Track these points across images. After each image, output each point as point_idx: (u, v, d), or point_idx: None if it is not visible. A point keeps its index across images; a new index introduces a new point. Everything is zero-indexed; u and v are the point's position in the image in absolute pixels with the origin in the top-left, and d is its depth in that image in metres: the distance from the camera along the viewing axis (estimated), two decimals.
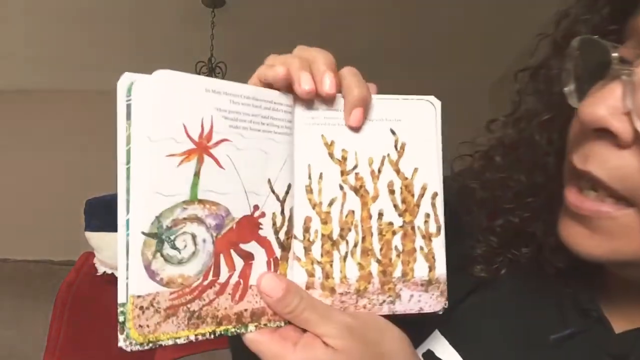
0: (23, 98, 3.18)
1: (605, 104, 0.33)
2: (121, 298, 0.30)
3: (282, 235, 0.36)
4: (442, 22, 2.46)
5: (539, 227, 0.44)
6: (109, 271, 1.28)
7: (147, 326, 0.31)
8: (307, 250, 0.37)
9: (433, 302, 0.40)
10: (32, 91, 3.17)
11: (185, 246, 0.32)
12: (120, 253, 0.30)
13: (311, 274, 0.37)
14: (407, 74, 3.03)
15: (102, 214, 1.31)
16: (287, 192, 0.37)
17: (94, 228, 1.33)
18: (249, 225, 0.35)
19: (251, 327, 0.35)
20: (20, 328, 1.33)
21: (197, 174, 0.32)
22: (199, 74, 2.31)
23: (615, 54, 0.34)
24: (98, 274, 1.34)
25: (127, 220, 0.30)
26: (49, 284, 1.38)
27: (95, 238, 1.33)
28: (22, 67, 2.93)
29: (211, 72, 2.40)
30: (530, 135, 0.44)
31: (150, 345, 0.31)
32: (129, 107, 0.30)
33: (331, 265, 0.38)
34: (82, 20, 2.43)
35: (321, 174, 0.38)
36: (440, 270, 0.40)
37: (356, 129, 0.38)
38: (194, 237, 0.32)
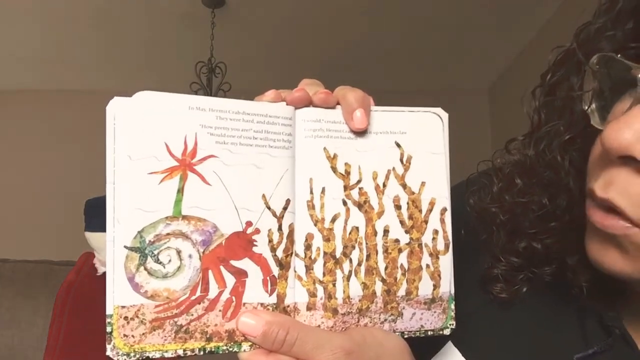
0: (23, 98, 3.18)
1: (631, 129, 0.31)
2: (108, 309, 0.32)
3: (279, 253, 0.35)
4: (442, 21, 2.46)
5: (561, 246, 0.43)
6: None
7: (132, 336, 0.32)
8: (308, 268, 0.36)
9: (434, 320, 0.39)
10: (32, 91, 3.17)
11: (170, 261, 0.33)
12: (108, 268, 0.32)
13: (313, 294, 0.36)
14: (408, 74, 3.03)
15: (102, 214, 1.31)
16: (284, 208, 0.36)
17: (94, 228, 1.33)
18: (240, 242, 0.34)
19: (245, 346, 0.34)
20: (20, 328, 1.33)
21: (180, 191, 0.33)
22: (198, 74, 2.32)
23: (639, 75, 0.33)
24: (98, 274, 1.34)
25: (114, 237, 0.32)
26: (49, 284, 1.38)
27: (95, 238, 1.33)
28: (22, 67, 2.93)
29: (211, 72, 2.39)
30: (553, 156, 0.42)
31: (137, 355, 0.32)
32: (114, 129, 0.32)
33: (334, 285, 0.36)
34: (82, 20, 2.43)
35: (323, 188, 0.36)
36: (445, 288, 0.39)
37: (361, 134, 0.37)
38: (178, 252, 0.33)
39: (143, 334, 0.32)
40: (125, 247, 0.32)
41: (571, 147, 0.41)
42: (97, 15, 2.39)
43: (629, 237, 0.33)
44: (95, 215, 1.34)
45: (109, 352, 0.31)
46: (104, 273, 1.10)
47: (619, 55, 0.34)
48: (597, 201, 0.35)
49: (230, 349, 0.34)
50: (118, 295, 0.32)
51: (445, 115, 0.39)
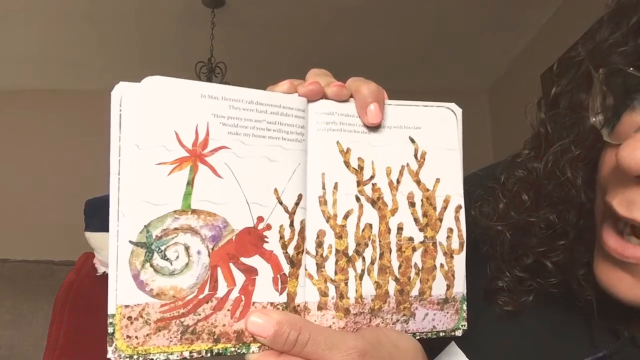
0: (23, 98, 3.18)
1: None
2: (110, 309, 0.30)
3: (291, 250, 0.34)
4: (442, 21, 2.46)
5: (569, 261, 0.42)
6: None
7: (136, 337, 0.30)
8: (319, 267, 0.34)
9: (447, 321, 0.38)
10: (32, 91, 3.17)
11: (178, 257, 0.31)
12: (111, 264, 0.29)
13: (324, 294, 0.35)
14: (408, 74, 3.03)
15: (102, 214, 1.31)
16: (297, 203, 0.34)
17: (94, 228, 1.33)
18: (251, 238, 0.33)
19: (254, 347, 0.33)
20: (20, 328, 1.33)
21: (190, 183, 0.31)
22: (198, 74, 2.32)
23: None
24: (98, 274, 1.34)
25: (118, 231, 0.30)
26: (49, 284, 1.38)
27: (95, 238, 1.33)
28: (22, 67, 2.93)
29: (211, 72, 2.39)
30: (562, 172, 0.41)
31: (141, 358, 0.30)
32: (120, 117, 0.30)
33: (346, 284, 0.35)
34: (82, 20, 2.42)
35: (336, 183, 0.35)
36: (458, 288, 0.38)
37: (375, 128, 0.36)
38: (187, 248, 0.31)
39: (147, 335, 0.30)
40: (130, 242, 0.30)
41: (581, 162, 0.40)
42: (96, 15, 2.39)
43: None
44: (95, 215, 1.34)
45: (110, 355, 0.29)
46: (104, 273, 1.10)
47: (631, 69, 0.33)
48: (614, 215, 0.34)
49: (239, 351, 0.32)
50: (121, 294, 0.29)
51: (459, 111, 0.38)
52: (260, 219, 0.33)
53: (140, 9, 2.34)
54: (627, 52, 0.35)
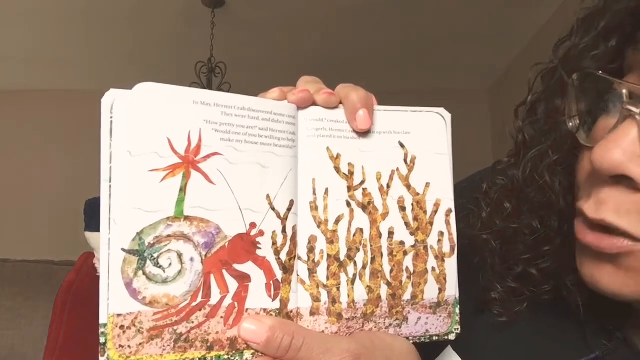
0: (23, 98, 3.18)
1: (620, 148, 0.31)
2: (102, 319, 0.29)
3: (283, 256, 0.34)
4: (442, 21, 2.46)
5: (557, 267, 0.42)
6: None
7: (129, 347, 0.30)
8: (311, 272, 0.35)
9: (440, 324, 0.38)
10: (32, 91, 3.17)
11: (170, 264, 0.31)
12: (102, 273, 0.29)
13: (317, 299, 0.35)
14: (408, 74, 3.03)
15: None
16: (289, 209, 0.34)
17: (94, 228, 1.33)
18: (244, 244, 0.33)
19: (247, 354, 0.33)
20: (20, 328, 1.33)
21: (183, 190, 0.31)
22: (198, 74, 2.32)
23: (624, 91, 0.32)
24: (98, 274, 1.34)
25: (109, 239, 0.29)
26: (49, 284, 1.38)
27: (95, 238, 1.33)
28: (22, 67, 2.93)
29: (211, 72, 2.39)
30: (541, 177, 0.41)
31: None
32: (112, 123, 0.30)
33: (338, 289, 0.35)
34: (81, 20, 2.42)
35: (327, 189, 0.35)
36: (450, 291, 0.38)
37: (365, 134, 0.36)
38: (179, 255, 0.31)
39: (140, 344, 0.30)
40: (122, 249, 0.29)
41: (559, 167, 0.41)
42: (96, 15, 2.39)
43: (635, 254, 0.33)
44: (95, 215, 1.34)
45: None
46: None
47: (600, 72, 0.34)
48: (589, 222, 0.34)
49: (233, 358, 0.32)
50: (114, 303, 0.29)
51: (448, 116, 0.39)
52: (252, 225, 0.33)
53: (140, 8, 2.34)
54: (599, 56, 0.36)
